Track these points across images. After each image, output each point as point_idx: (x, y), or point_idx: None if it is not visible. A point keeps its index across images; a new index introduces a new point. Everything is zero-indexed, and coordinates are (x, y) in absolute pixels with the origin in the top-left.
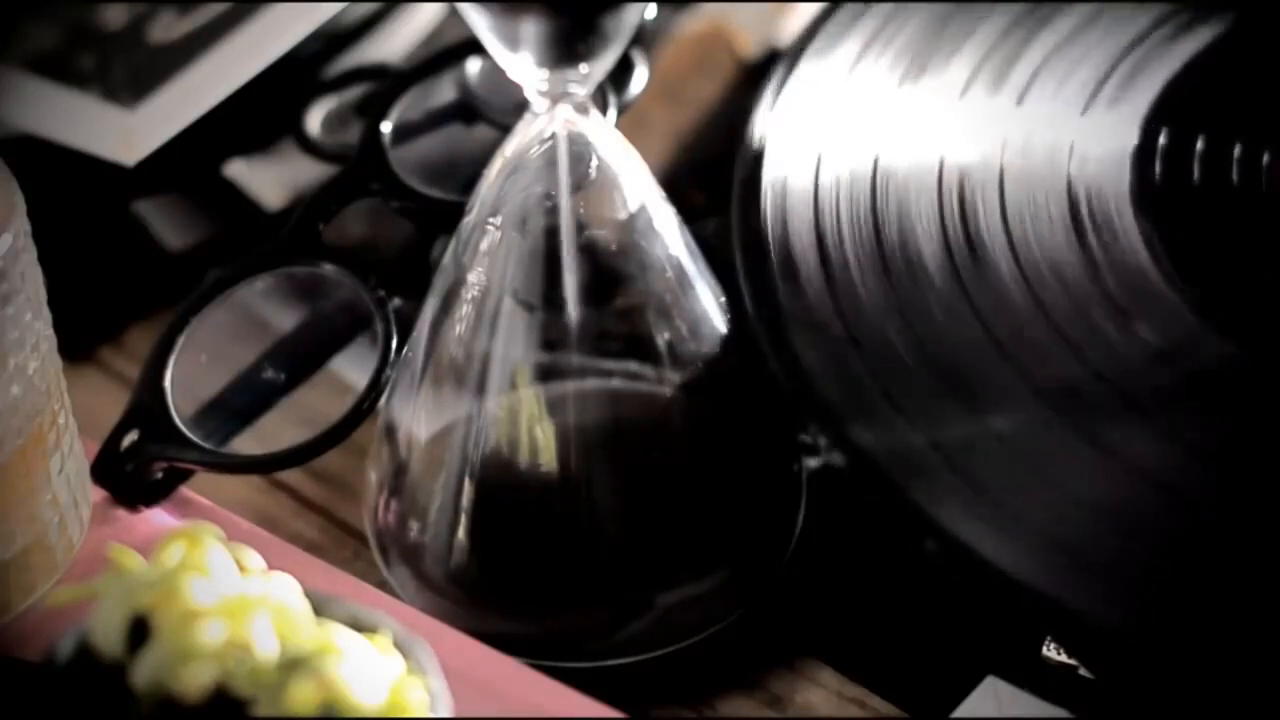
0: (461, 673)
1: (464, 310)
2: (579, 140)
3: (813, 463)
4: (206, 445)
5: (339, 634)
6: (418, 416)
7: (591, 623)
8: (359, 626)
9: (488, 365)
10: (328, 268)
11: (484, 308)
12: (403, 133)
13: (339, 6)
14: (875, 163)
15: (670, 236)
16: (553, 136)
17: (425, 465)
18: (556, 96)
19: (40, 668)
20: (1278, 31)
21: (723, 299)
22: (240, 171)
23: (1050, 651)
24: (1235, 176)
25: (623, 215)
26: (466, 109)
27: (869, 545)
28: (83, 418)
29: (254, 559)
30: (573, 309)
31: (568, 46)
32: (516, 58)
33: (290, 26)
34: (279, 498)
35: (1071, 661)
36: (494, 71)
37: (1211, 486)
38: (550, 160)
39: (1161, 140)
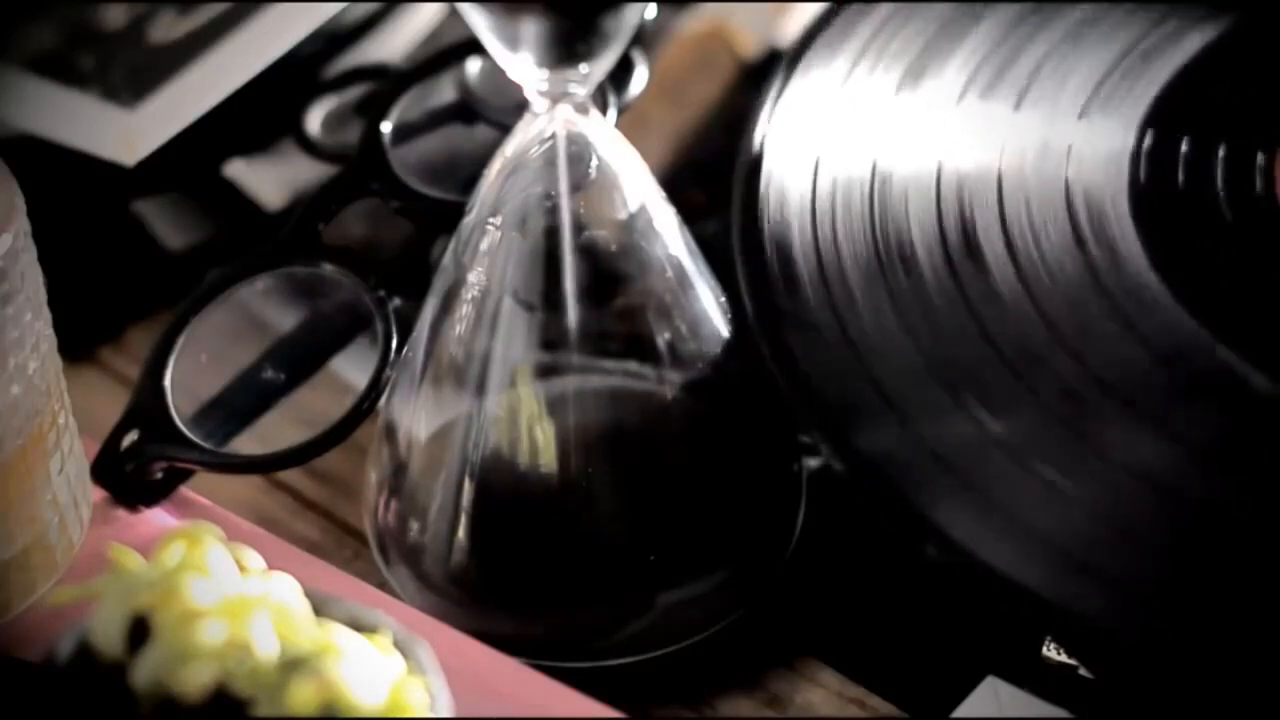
0: (461, 673)
1: (464, 310)
2: (579, 140)
3: (813, 463)
4: (206, 445)
5: (339, 634)
6: (418, 416)
7: (592, 623)
8: (359, 626)
9: (488, 365)
10: (328, 268)
11: (484, 308)
12: (403, 133)
13: (339, 6)
14: (874, 166)
15: (670, 236)
16: (553, 136)
17: (425, 465)
18: (556, 96)
19: (40, 668)
20: (1274, 34)
21: (723, 299)
22: (240, 171)
23: (1050, 651)
24: (1232, 179)
25: (623, 215)
26: (466, 109)
27: (869, 545)
28: (83, 418)
29: (254, 559)
30: (573, 309)
31: (568, 46)
32: (516, 58)
33: (290, 26)
34: (279, 498)
35: (1071, 661)
36: (494, 71)
37: (1210, 487)
38: (550, 160)
39: (1158, 143)
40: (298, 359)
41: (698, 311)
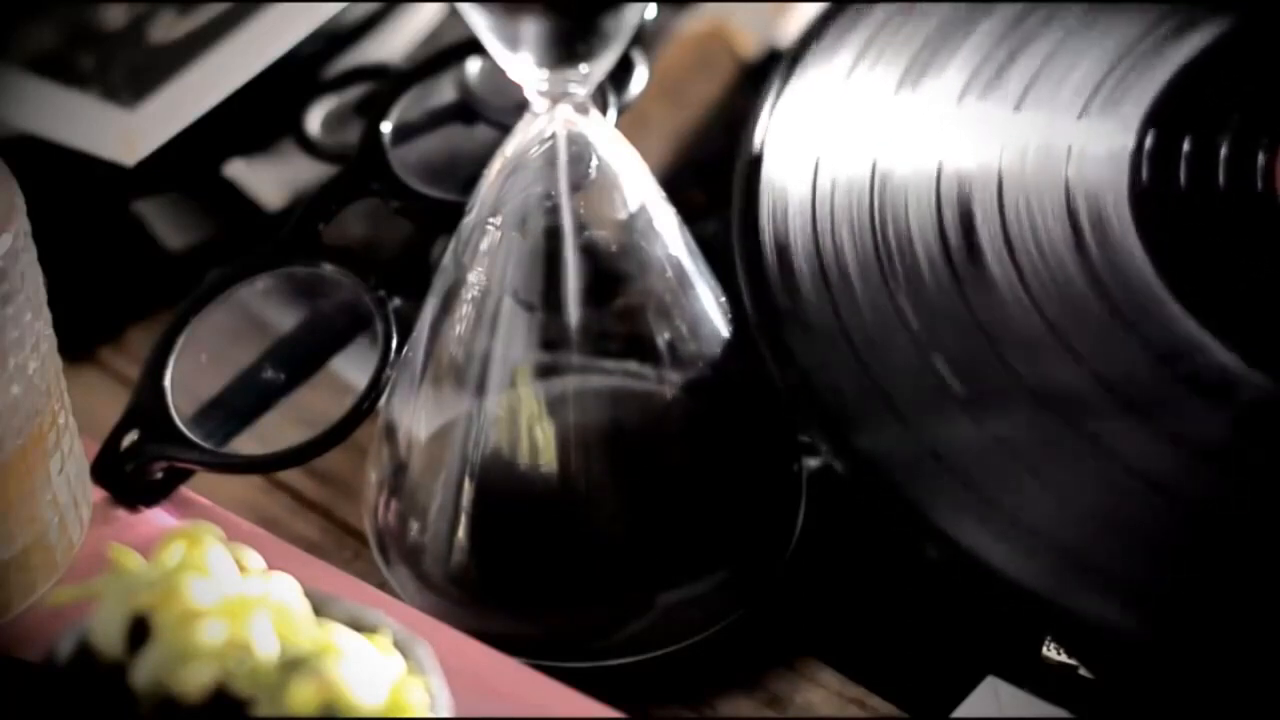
0: (461, 673)
1: (464, 310)
2: (579, 140)
3: (813, 463)
4: (206, 445)
5: (339, 634)
6: (418, 416)
7: (592, 623)
8: (359, 626)
9: (488, 365)
10: (328, 268)
11: (484, 308)
12: (403, 133)
13: (339, 6)
14: (874, 166)
15: (670, 236)
16: (553, 136)
17: (425, 465)
18: (556, 96)
19: (40, 668)
20: (1274, 33)
21: (723, 299)
22: (240, 171)
23: (1050, 651)
24: (1232, 179)
25: (623, 215)
26: (466, 109)
27: (869, 545)
28: (83, 418)
29: (254, 559)
30: (573, 309)
31: (568, 46)
32: (516, 58)
33: (290, 26)
34: (279, 498)
35: (1071, 661)
36: (494, 71)
37: (1210, 487)
38: (550, 160)
39: (1159, 143)
40: (298, 359)
41: (698, 311)
